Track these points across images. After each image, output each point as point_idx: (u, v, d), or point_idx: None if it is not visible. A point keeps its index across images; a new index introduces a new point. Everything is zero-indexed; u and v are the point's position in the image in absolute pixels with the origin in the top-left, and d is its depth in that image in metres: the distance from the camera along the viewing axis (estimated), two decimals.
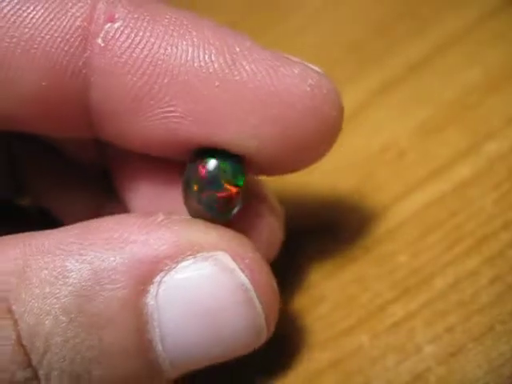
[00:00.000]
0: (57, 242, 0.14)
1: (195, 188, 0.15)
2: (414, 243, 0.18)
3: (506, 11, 0.22)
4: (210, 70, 0.15)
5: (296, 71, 0.15)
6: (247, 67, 0.15)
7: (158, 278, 0.14)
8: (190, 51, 0.15)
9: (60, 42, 0.15)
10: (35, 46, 0.15)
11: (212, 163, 0.15)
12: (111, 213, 0.19)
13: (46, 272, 0.14)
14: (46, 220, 0.20)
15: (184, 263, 0.14)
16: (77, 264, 0.14)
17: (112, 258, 0.14)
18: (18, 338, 0.13)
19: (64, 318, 0.13)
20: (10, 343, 0.13)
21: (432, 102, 0.21)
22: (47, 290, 0.14)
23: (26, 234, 0.14)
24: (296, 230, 0.20)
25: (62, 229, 0.15)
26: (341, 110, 0.16)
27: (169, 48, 0.15)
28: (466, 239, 0.17)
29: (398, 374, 0.16)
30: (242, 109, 0.15)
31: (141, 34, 0.15)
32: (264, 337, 0.15)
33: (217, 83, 0.15)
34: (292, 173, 0.17)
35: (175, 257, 0.14)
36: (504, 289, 0.16)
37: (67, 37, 0.15)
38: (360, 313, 0.17)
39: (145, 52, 0.15)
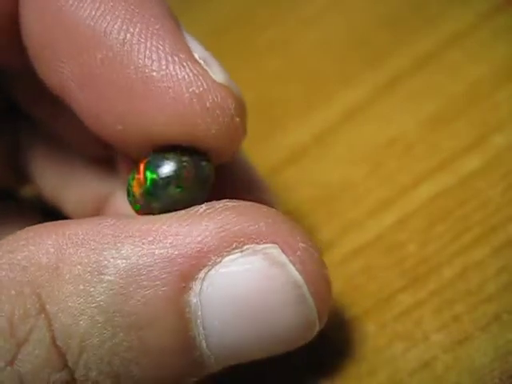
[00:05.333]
0: (92, 233, 0.13)
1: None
2: (423, 233, 0.18)
3: None
4: (100, 41, 0.14)
5: (183, 73, 0.14)
6: (134, 52, 0.14)
7: (201, 274, 0.13)
8: (91, 15, 0.14)
9: None
10: None
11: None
12: (117, 206, 0.20)
13: (79, 267, 0.13)
14: (48, 211, 0.20)
15: (230, 257, 0.13)
16: (112, 259, 0.13)
17: (150, 253, 0.13)
18: (53, 338, 0.13)
19: (100, 318, 0.13)
20: (44, 345, 0.13)
21: (440, 95, 0.21)
22: (81, 287, 0.13)
23: (60, 222, 0.14)
24: (303, 220, 0.20)
25: (97, 218, 0.14)
26: (228, 127, 0.14)
27: (75, 5, 0.14)
28: (473, 229, 0.17)
29: (405, 362, 0.16)
30: (114, 90, 0.14)
31: None
32: (315, 331, 0.14)
33: (100, 56, 0.14)
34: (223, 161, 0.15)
35: (220, 250, 0.13)
36: (511, 279, 0.16)
37: None
38: (368, 302, 0.18)
39: (53, 1, 0.14)
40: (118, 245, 0.13)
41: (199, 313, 0.13)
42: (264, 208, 0.14)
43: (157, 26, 0.14)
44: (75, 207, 0.20)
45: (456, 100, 0.21)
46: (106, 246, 0.13)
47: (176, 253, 0.13)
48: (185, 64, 0.14)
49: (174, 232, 0.13)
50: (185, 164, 0.14)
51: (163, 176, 0.14)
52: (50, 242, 0.13)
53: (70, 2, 0.14)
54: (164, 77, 0.14)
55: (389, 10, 0.24)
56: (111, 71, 0.14)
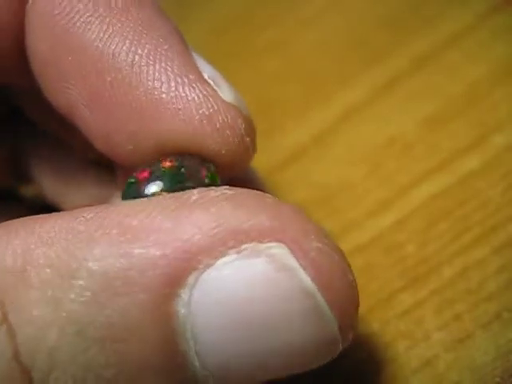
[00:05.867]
0: (65, 230, 0.12)
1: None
2: (422, 233, 0.18)
3: (511, 6, 0.22)
4: (108, 63, 0.14)
5: (193, 95, 0.14)
6: (144, 74, 0.14)
7: (190, 279, 0.11)
8: (99, 37, 0.14)
9: None
10: None
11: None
12: None
13: (48, 271, 0.11)
14: (48, 211, 0.20)
15: (225, 259, 0.11)
16: (84, 261, 0.11)
17: (128, 254, 0.11)
18: (16, 354, 0.11)
19: (70, 330, 0.11)
20: (5, 360, 0.11)
21: (439, 95, 0.21)
22: (49, 293, 0.11)
23: (31, 218, 0.12)
24: None
25: (73, 212, 0.12)
26: (238, 148, 0.14)
27: (82, 27, 0.14)
28: (473, 229, 0.18)
29: (406, 361, 0.16)
30: (123, 111, 0.14)
31: (64, 2, 0.14)
32: (339, 347, 0.12)
33: (109, 78, 0.14)
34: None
35: (213, 251, 0.11)
36: (511, 278, 0.16)
37: None
38: (369, 301, 0.18)
39: (60, 22, 0.14)
40: (93, 244, 0.11)
41: (188, 325, 0.11)
42: (268, 197, 0.12)
43: (165, 47, 0.14)
44: (75, 208, 0.19)
45: (455, 100, 0.21)
46: (79, 245, 0.11)
47: (158, 253, 0.11)
48: (194, 85, 0.14)
49: (156, 227, 0.11)
50: (186, 184, 0.13)
51: (162, 190, 0.13)
52: (17, 242, 0.11)
53: (78, 24, 0.14)
54: (174, 98, 0.14)
55: (387, 10, 0.24)
56: (121, 93, 0.14)
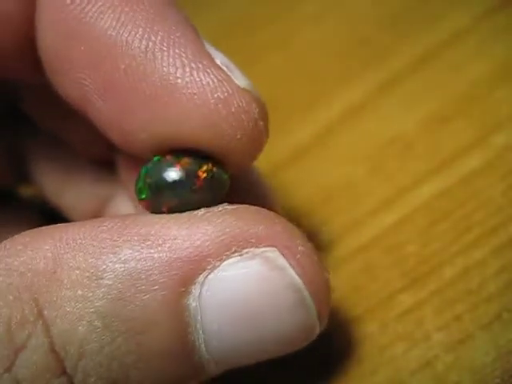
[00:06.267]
0: (90, 237, 0.13)
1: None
2: (423, 233, 0.18)
3: (510, 7, 0.22)
4: (122, 51, 0.14)
5: (208, 79, 0.14)
6: (158, 60, 0.14)
7: (200, 278, 0.13)
8: (112, 25, 0.14)
9: None
10: None
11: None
12: (117, 208, 0.20)
13: (77, 272, 0.13)
14: (48, 212, 0.20)
15: (229, 261, 0.13)
16: (110, 264, 0.13)
17: (149, 257, 0.13)
18: (51, 344, 0.13)
19: (99, 324, 0.13)
20: (42, 351, 0.12)
21: (440, 94, 0.21)
22: (79, 292, 0.13)
23: (58, 226, 0.14)
24: (303, 219, 0.20)
25: (95, 221, 0.14)
26: (252, 134, 0.14)
27: (94, 17, 0.14)
28: (474, 229, 0.18)
29: (406, 362, 0.16)
30: (137, 98, 0.14)
31: None
32: (316, 333, 0.14)
33: (123, 66, 0.14)
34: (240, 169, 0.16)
35: (219, 254, 0.13)
36: (511, 278, 0.16)
37: None
38: (369, 302, 0.18)
39: (73, 14, 0.14)
40: (117, 249, 0.13)
41: (199, 317, 0.13)
42: (263, 211, 0.14)
43: (178, 34, 0.14)
44: (75, 208, 0.20)
45: (456, 100, 0.21)
46: (105, 250, 0.13)
47: (175, 257, 0.13)
48: (208, 70, 0.14)
49: (172, 236, 0.13)
50: (202, 170, 0.14)
51: (176, 179, 0.14)
52: (47, 247, 0.13)
53: (90, 14, 0.14)
54: (188, 83, 0.14)
55: (389, 10, 0.24)
56: (135, 80, 0.14)
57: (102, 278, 0.13)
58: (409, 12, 0.24)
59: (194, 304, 0.13)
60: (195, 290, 0.13)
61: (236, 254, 0.13)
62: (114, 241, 0.13)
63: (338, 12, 0.25)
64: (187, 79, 0.14)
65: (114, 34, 0.14)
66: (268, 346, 0.14)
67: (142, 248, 0.13)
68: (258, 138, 0.15)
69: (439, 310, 0.17)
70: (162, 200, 0.14)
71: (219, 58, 0.14)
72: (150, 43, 0.14)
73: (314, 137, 0.22)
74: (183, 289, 0.13)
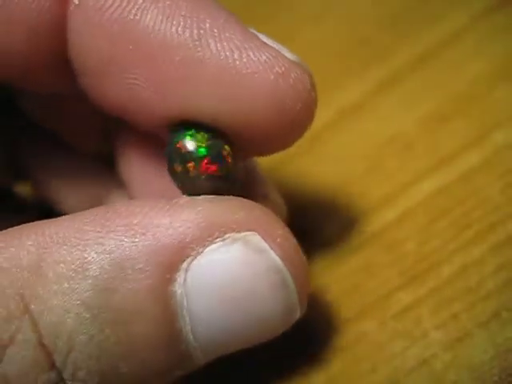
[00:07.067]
0: (73, 230, 0.13)
1: (191, 167, 0.15)
2: (422, 231, 0.18)
3: (511, 4, 0.22)
4: (174, 43, 0.14)
5: (264, 57, 0.14)
6: (212, 46, 0.14)
7: (184, 265, 0.13)
8: (158, 20, 0.14)
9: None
10: (12, 5, 0.15)
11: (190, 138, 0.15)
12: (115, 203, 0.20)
13: (62, 266, 0.13)
14: (46, 209, 0.20)
15: (212, 247, 0.13)
16: (95, 255, 0.13)
17: (134, 246, 0.13)
18: (39, 338, 0.13)
19: (87, 315, 0.13)
20: (31, 345, 0.12)
21: (439, 93, 0.21)
22: (66, 285, 0.13)
23: (39, 222, 0.14)
24: (302, 217, 0.20)
25: (76, 215, 0.14)
26: (309, 103, 0.15)
27: (138, 14, 0.14)
28: (473, 227, 0.17)
29: (404, 360, 0.16)
30: (201, 88, 0.14)
31: None
32: (297, 316, 0.15)
33: (178, 58, 0.14)
34: (265, 155, 0.17)
35: (202, 240, 0.13)
36: (510, 276, 0.16)
37: None
38: (367, 299, 0.18)
39: (114, 15, 0.14)
40: (101, 240, 0.13)
41: (184, 303, 0.13)
42: (243, 200, 0.14)
43: (221, 20, 0.14)
44: (73, 206, 0.20)
45: (455, 98, 0.21)
46: (89, 242, 0.13)
47: (159, 244, 0.13)
48: (262, 49, 0.14)
49: (155, 224, 0.13)
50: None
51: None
52: (30, 243, 0.13)
53: (133, 12, 0.14)
54: (247, 63, 0.14)
55: (388, 9, 0.24)
56: (192, 69, 0.14)
57: (87, 270, 0.13)
58: (408, 12, 0.24)
59: (179, 291, 0.13)
60: (180, 277, 0.13)
61: (218, 240, 0.13)
62: (98, 232, 0.13)
63: (338, 12, 0.26)
64: (245, 60, 0.14)
65: (162, 28, 0.14)
66: (253, 331, 0.14)
67: (125, 238, 0.13)
68: (313, 107, 0.15)
69: (437, 308, 0.17)
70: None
71: (264, 37, 0.15)
72: (202, 31, 0.14)
73: (312, 135, 0.22)
74: (168, 276, 0.13)
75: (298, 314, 0.14)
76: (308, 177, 0.21)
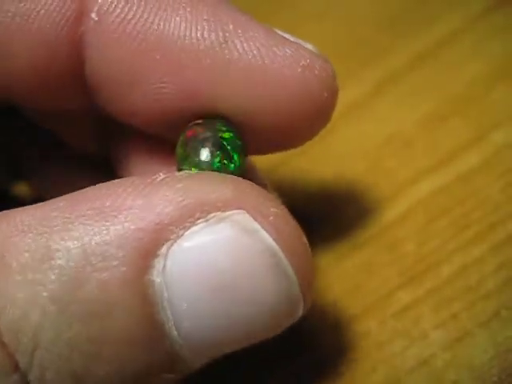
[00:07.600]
0: (39, 217, 0.12)
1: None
2: (421, 231, 0.18)
3: (509, 4, 0.22)
4: (201, 48, 0.14)
5: (289, 51, 0.14)
6: (239, 46, 0.14)
7: (163, 250, 0.12)
8: (182, 27, 0.14)
9: (55, 16, 0.15)
10: (30, 20, 0.14)
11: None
12: None
13: (27, 255, 0.12)
14: None
15: (194, 228, 0.12)
16: (62, 242, 0.12)
17: (105, 231, 0.12)
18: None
19: (53, 308, 0.11)
20: None
21: (438, 93, 0.21)
22: (30, 276, 0.12)
23: (10, 211, 0.13)
24: (302, 217, 0.20)
25: (47, 202, 0.13)
26: (333, 90, 0.15)
27: (161, 24, 0.14)
28: (472, 227, 0.18)
29: (404, 360, 0.16)
30: (232, 88, 0.14)
31: (134, 8, 0.14)
32: (301, 309, 0.13)
33: (208, 61, 0.14)
34: (285, 150, 0.17)
35: (182, 221, 0.12)
36: (510, 275, 0.16)
37: (62, 11, 0.14)
38: (367, 299, 0.18)
39: (137, 28, 0.14)
40: (69, 225, 0.12)
41: (165, 294, 0.12)
42: (228, 176, 0.13)
43: (242, 19, 0.15)
44: None
45: (454, 98, 0.21)
46: (56, 228, 0.12)
47: (133, 228, 0.12)
48: (285, 44, 0.15)
49: (129, 205, 0.12)
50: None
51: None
52: None
53: (156, 22, 0.14)
54: (274, 59, 0.14)
55: (386, 9, 0.24)
56: (221, 71, 0.14)
57: (53, 259, 0.12)
58: (407, 13, 0.24)
59: (158, 280, 0.12)
60: (158, 264, 0.12)
61: (201, 221, 0.12)
62: (66, 218, 0.12)
63: (337, 13, 0.26)
64: (272, 56, 0.14)
65: (187, 34, 0.14)
66: (248, 326, 0.12)
67: (96, 221, 0.12)
68: (337, 94, 0.15)
69: (437, 307, 0.17)
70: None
71: (281, 32, 0.15)
72: (227, 33, 0.14)
73: None
74: (145, 263, 0.12)
75: (301, 309, 0.13)
76: (307, 177, 0.21)
